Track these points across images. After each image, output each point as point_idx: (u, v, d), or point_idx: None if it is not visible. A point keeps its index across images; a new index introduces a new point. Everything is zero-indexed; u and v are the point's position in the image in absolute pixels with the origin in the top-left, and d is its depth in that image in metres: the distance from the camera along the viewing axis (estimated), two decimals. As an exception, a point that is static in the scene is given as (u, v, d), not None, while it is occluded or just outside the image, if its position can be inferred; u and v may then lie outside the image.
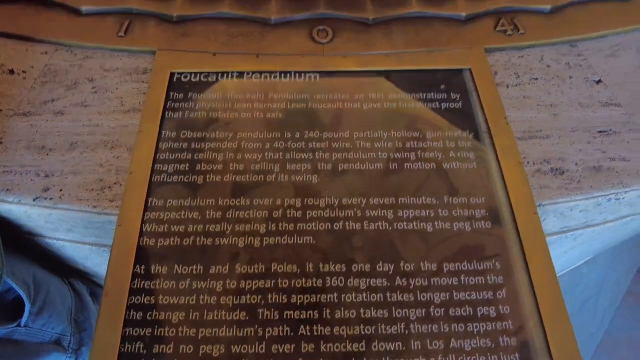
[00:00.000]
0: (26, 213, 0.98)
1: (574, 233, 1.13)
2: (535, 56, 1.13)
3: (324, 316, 0.79)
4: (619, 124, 1.05)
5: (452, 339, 0.79)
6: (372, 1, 1.11)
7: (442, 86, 1.03)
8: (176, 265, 0.84)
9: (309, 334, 0.77)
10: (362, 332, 0.78)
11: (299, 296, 0.81)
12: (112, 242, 0.96)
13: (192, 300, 0.81)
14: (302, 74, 1.04)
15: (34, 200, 0.93)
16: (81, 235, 1.05)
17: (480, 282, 0.84)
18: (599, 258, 2.03)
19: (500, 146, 0.96)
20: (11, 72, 1.09)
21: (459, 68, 1.05)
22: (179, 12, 1.10)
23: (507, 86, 1.07)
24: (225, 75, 1.03)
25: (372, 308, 0.80)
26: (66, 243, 1.10)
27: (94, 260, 1.15)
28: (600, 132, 1.04)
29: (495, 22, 1.13)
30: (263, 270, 0.83)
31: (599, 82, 1.11)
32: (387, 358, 0.76)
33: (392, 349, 0.77)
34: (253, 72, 1.04)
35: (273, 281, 0.82)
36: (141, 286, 0.83)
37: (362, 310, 0.80)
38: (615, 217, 1.13)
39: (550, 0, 1.18)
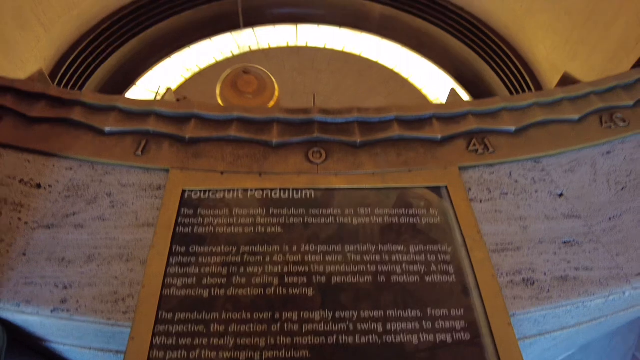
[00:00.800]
0: (42, 323, 1.05)
1: (551, 334, 1.22)
2: (505, 172, 1.28)
3: None
4: (581, 235, 1.18)
5: None
6: (359, 126, 1.29)
7: (423, 202, 1.17)
8: (183, 379, 0.90)
9: None
10: None
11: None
12: (118, 347, 1.03)
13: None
14: (300, 191, 1.18)
15: (51, 312, 1.00)
16: (90, 342, 1.11)
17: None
18: (594, 345, 2.06)
19: (476, 259, 1.07)
20: (39, 186, 1.21)
21: (436, 186, 1.20)
22: (191, 134, 1.26)
23: (481, 201, 1.21)
24: (231, 192, 1.16)
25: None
26: (74, 348, 1.15)
27: (98, 363, 1.20)
28: (564, 243, 1.16)
29: (468, 143, 1.30)
30: (263, 384, 0.90)
31: (561, 195, 1.26)
32: None
33: None
34: (256, 190, 1.17)
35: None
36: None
37: None
38: (588, 319, 1.23)
39: (515, 122, 1.37)
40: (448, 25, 5.05)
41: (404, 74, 5.09)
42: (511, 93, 4.66)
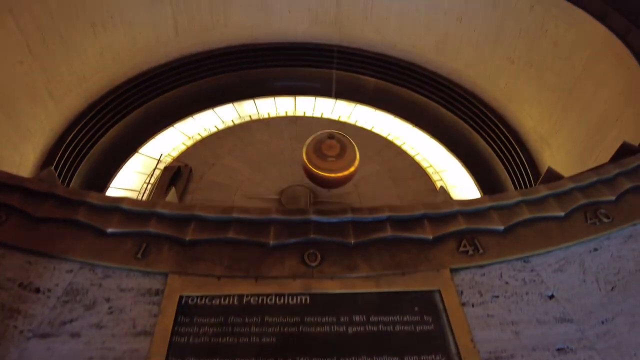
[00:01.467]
0: None
1: None
2: (495, 273, 1.32)
3: None
4: (574, 341, 1.19)
5: None
6: (353, 227, 1.34)
7: (416, 308, 1.19)
8: None
9: None
10: None
11: None
12: None
13: None
14: (295, 297, 1.20)
15: None
16: None
17: None
18: None
19: (471, 371, 1.07)
20: (37, 290, 1.23)
21: (429, 290, 1.22)
22: (191, 236, 1.31)
23: (473, 305, 1.23)
24: (227, 298, 1.19)
25: None
26: None
27: None
28: (558, 350, 1.17)
29: (458, 243, 1.35)
30: None
31: (551, 297, 1.28)
32: None
33: None
34: (252, 296, 1.19)
35: None
36: None
37: None
38: None
39: (503, 220, 1.42)
40: (439, 97, 5.30)
41: (398, 142, 5.27)
42: (501, 160, 4.81)
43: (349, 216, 1.36)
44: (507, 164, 4.71)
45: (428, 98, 5.33)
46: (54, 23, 4.31)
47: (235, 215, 1.34)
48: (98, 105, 4.90)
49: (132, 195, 4.66)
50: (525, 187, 4.39)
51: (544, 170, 4.37)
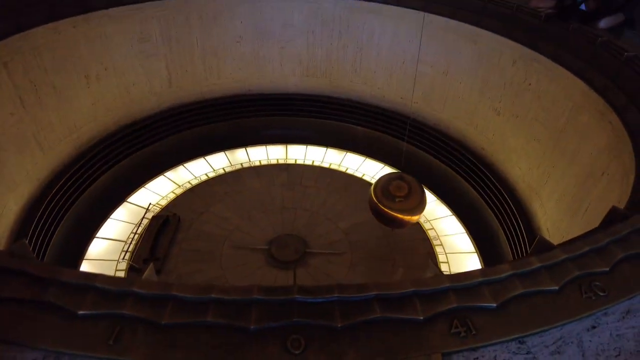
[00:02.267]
0: None
1: None
2: (489, 356, 1.24)
3: None
4: None
5: None
6: (339, 307, 1.27)
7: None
8: None
9: None
10: None
11: None
12: None
13: None
14: (276, 391, 1.11)
15: None
16: None
17: None
18: None
19: None
20: (-4, 384, 1.13)
21: (421, 381, 1.14)
22: (167, 320, 1.23)
23: (468, 396, 1.15)
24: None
25: None
26: None
27: None
28: None
29: (450, 324, 1.28)
30: None
31: (551, 385, 1.20)
32: None
33: None
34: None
35: None
36: None
37: None
38: None
39: (495, 296, 1.37)
40: (427, 146, 5.37)
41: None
42: (491, 209, 4.81)
43: (334, 295, 1.30)
44: (497, 213, 4.71)
45: (417, 147, 5.39)
46: (47, 75, 4.36)
47: (214, 295, 1.27)
48: (87, 155, 4.87)
49: (119, 245, 4.54)
50: (517, 237, 4.36)
51: (535, 219, 4.37)
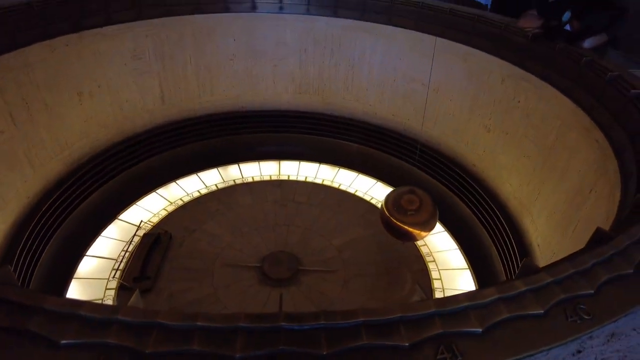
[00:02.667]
0: None
1: None
2: (475, 386, 1.24)
3: None
4: None
5: None
6: (326, 334, 1.27)
7: None
8: None
9: None
10: None
11: None
12: None
13: None
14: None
15: None
16: None
17: None
18: None
19: None
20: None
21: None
22: (152, 348, 1.22)
23: None
24: None
25: None
26: None
27: None
28: None
29: (436, 350, 1.28)
30: None
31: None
32: None
33: None
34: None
35: None
36: None
37: None
38: None
39: (481, 321, 1.37)
40: (419, 162, 5.41)
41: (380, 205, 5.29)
42: (483, 225, 4.84)
43: (321, 322, 1.30)
44: (489, 229, 4.73)
45: (409, 163, 5.44)
46: (39, 92, 4.37)
47: (199, 323, 1.26)
48: (78, 172, 4.85)
49: (109, 263, 4.49)
50: (509, 253, 4.38)
51: (526, 235, 4.39)
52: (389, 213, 3.47)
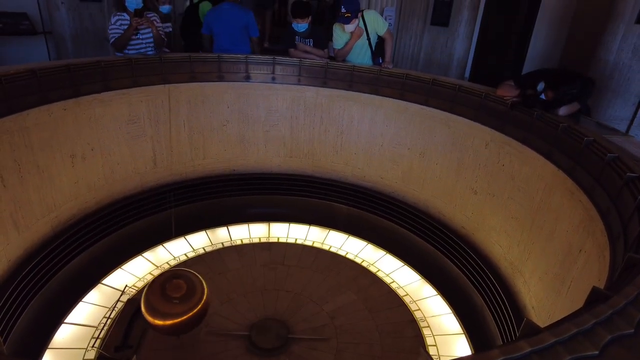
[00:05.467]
0: None
1: None
2: None
3: None
4: None
5: None
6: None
7: None
8: None
9: None
10: None
11: None
12: None
13: None
14: None
15: None
16: None
17: None
18: None
19: None
20: None
21: None
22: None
23: None
24: None
25: None
26: None
27: None
28: None
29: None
30: None
31: None
32: None
33: None
34: None
35: None
36: None
37: None
38: None
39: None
40: (409, 224, 5.45)
41: (372, 269, 5.23)
42: (475, 287, 4.78)
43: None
44: (482, 291, 4.68)
45: (398, 224, 5.47)
46: (32, 155, 4.39)
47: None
48: (63, 235, 4.74)
49: (89, 331, 4.23)
50: (503, 315, 4.30)
51: (519, 296, 4.34)
52: (147, 307, 3.06)
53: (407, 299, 4.84)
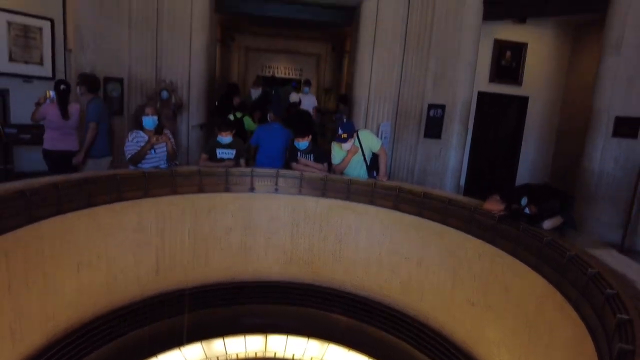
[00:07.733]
0: None
1: None
2: None
3: None
4: None
5: None
6: None
7: None
8: None
9: None
10: None
11: None
12: None
13: None
14: None
15: None
16: None
17: None
18: None
19: None
20: None
21: None
22: None
23: None
24: None
25: None
26: None
27: None
28: None
29: None
30: None
31: None
32: None
33: None
34: None
35: None
36: None
37: None
38: None
39: None
40: (408, 337, 5.33)
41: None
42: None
43: None
44: (489, 414, 4.38)
45: (398, 338, 5.33)
46: (41, 263, 4.58)
47: None
48: (57, 346, 4.68)
49: None
50: None
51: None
52: None
53: (409, 423, 4.52)
